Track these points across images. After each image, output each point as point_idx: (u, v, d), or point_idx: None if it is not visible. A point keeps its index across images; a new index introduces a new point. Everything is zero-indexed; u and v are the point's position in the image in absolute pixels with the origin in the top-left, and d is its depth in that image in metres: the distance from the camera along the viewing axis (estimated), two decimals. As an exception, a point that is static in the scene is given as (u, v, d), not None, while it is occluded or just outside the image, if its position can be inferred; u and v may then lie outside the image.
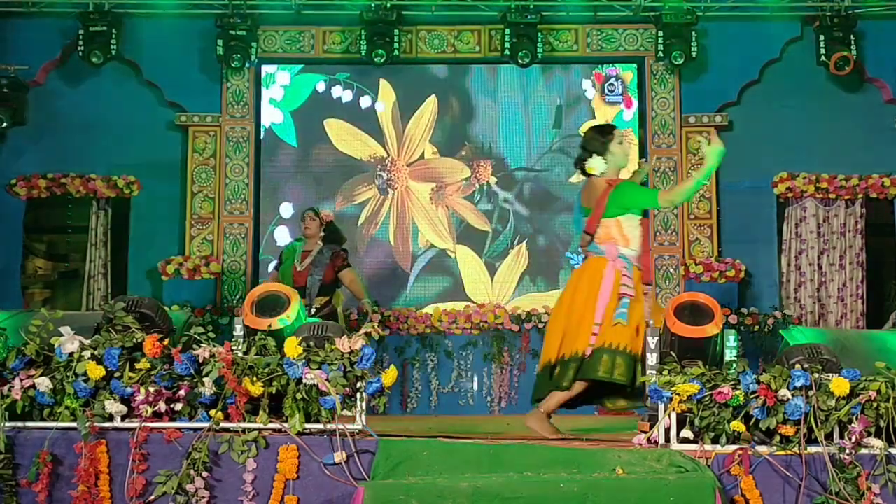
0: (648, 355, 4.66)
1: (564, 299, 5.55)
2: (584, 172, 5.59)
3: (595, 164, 5.47)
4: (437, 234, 9.86)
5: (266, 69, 9.88)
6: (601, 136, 5.51)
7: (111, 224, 9.68)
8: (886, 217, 9.78)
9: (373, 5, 9.34)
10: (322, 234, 7.51)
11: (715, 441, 4.38)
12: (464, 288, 9.73)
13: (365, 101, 9.89)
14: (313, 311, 6.99)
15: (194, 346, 4.50)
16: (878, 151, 9.60)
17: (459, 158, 9.93)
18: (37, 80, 9.55)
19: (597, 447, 4.54)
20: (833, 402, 4.32)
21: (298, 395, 4.37)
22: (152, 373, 4.43)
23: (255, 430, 4.35)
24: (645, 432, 4.60)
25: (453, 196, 9.90)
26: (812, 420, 4.30)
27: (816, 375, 4.37)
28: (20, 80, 9.36)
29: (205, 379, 4.39)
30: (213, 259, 9.43)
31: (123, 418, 4.42)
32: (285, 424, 4.35)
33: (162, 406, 4.37)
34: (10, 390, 4.41)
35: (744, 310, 9.31)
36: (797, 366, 4.42)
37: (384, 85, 9.89)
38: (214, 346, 4.50)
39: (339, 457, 4.27)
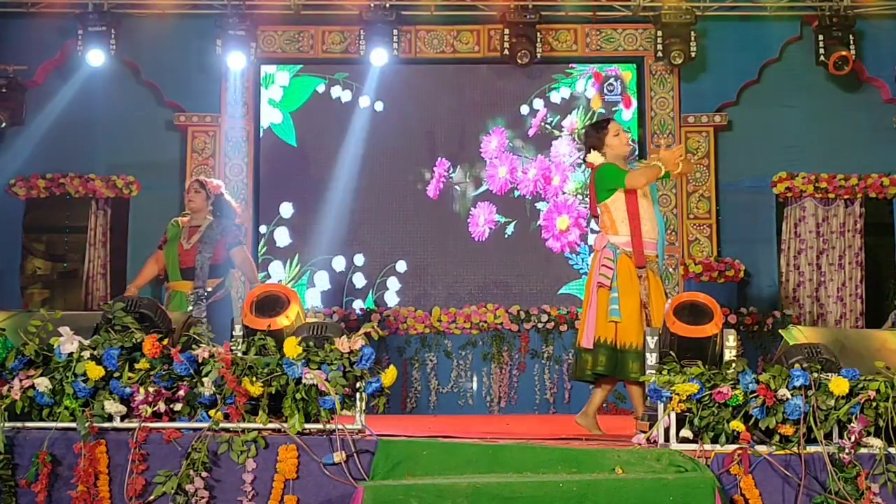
0: (648, 355, 4.66)
1: None
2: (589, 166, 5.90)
3: (593, 158, 5.78)
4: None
5: (265, 69, 9.87)
6: (596, 132, 5.82)
7: (110, 224, 9.67)
8: (885, 217, 9.78)
9: (372, 5, 9.33)
10: (210, 207, 6.81)
11: (714, 441, 4.38)
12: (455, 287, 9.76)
13: (364, 101, 9.88)
14: (205, 293, 6.62)
15: (193, 346, 4.50)
16: (878, 151, 9.60)
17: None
18: (36, 81, 9.54)
19: (596, 447, 4.54)
20: (832, 402, 4.32)
21: (298, 395, 4.37)
22: (152, 373, 4.42)
23: (254, 430, 4.34)
24: (644, 432, 4.60)
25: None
26: (811, 419, 4.30)
27: (816, 375, 4.37)
28: (19, 80, 9.35)
29: (204, 379, 4.39)
30: (212, 259, 9.42)
31: (123, 418, 4.41)
32: (285, 424, 4.35)
33: (161, 406, 4.37)
34: (9, 390, 4.40)
35: (743, 310, 9.30)
36: (796, 365, 4.42)
37: (379, 83, 9.84)
38: (214, 346, 4.50)
39: (338, 457, 4.27)
